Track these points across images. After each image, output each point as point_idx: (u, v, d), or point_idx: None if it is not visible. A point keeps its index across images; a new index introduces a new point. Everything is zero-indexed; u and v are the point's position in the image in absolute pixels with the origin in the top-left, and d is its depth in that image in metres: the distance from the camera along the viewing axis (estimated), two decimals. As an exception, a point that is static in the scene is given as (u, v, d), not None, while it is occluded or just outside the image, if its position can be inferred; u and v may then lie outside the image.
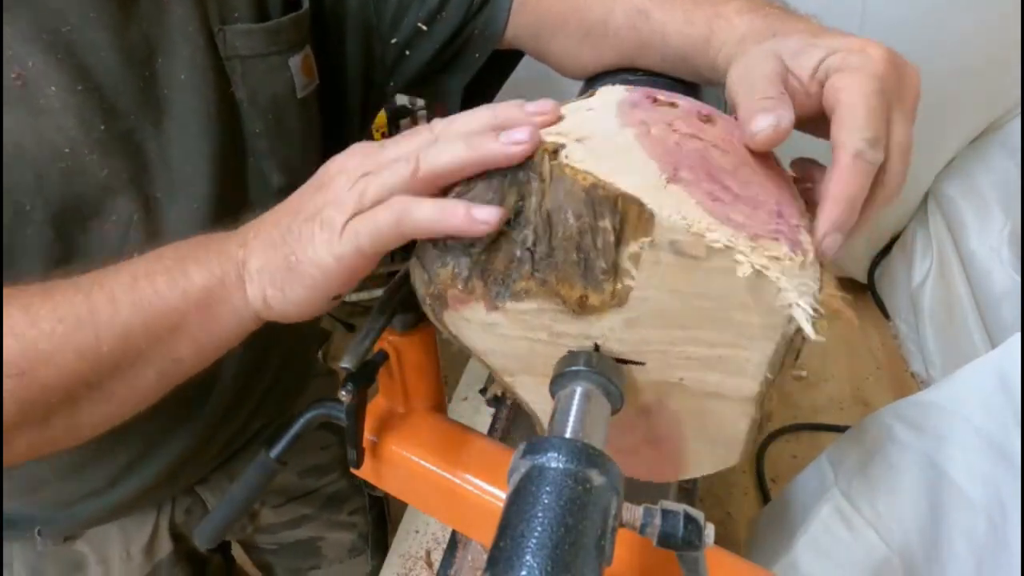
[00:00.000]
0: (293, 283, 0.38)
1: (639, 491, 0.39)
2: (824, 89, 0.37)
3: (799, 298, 0.31)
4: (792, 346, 0.33)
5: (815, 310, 0.31)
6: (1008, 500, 0.52)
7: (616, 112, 0.37)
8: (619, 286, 0.34)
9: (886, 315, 1.14)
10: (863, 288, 1.18)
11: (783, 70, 0.38)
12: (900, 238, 1.13)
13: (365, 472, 0.53)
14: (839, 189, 0.34)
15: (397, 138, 0.38)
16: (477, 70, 0.64)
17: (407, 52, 0.63)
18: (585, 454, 0.30)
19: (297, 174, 0.59)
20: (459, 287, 0.38)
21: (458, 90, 0.66)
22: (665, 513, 0.32)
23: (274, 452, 0.50)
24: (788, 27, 0.42)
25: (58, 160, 0.47)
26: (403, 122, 1.97)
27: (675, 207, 0.31)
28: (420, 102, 2.00)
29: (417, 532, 0.81)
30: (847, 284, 1.20)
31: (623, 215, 0.32)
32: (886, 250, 1.16)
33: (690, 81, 0.51)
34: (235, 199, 0.56)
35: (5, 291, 0.39)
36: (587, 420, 0.34)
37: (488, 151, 0.35)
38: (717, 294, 0.33)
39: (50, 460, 0.59)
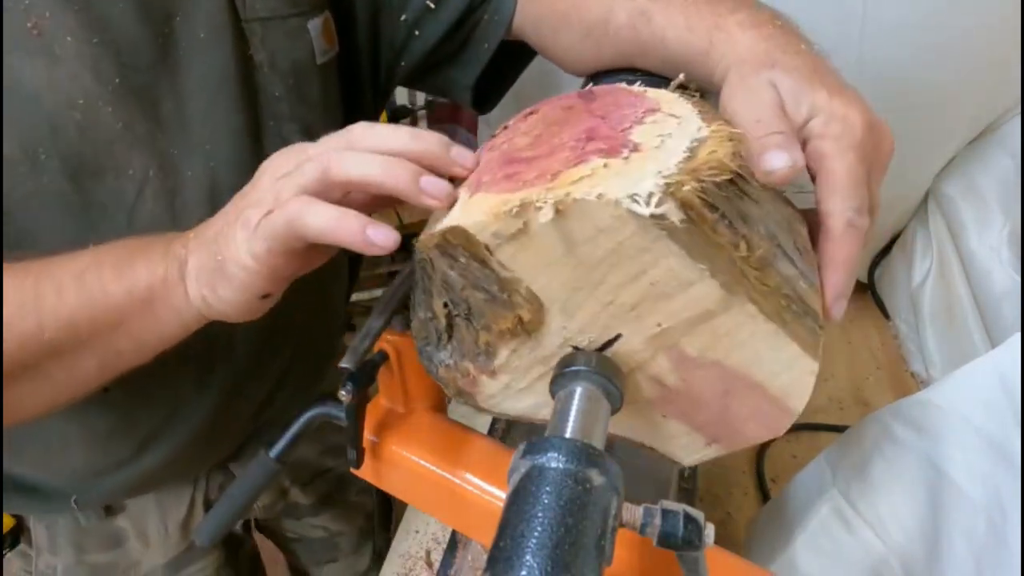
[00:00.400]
0: (222, 282, 0.39)
1: (639, 491, 0.39)
2: (807, 150, 0.38)
3: (621, 192, 0.30)
4: (706, 223, 0.32)
5: (662, 188, 0.30)
6: (1008, 500, 0.52)
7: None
8: (523, 290, 0.36)
9: (886, 315, 1.14)
10: (863, 288, 1.18)
11: (782, 103, 0.39)
12: (900, 238, 1.13)
13: (365, 472, 0.53)
14: (838, 257, 0.36)
15: (323, 138, 0.39)
16: (486, 66, 0.64)
17: (416, 32, 0.63)
18: (585, 454, 0.30)
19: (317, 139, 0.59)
20: (459, 376, 0.42)
21: (468, 85, 0.66)
22: (665, 513, 0.32)
23: (274, 452, 0.50)
24: (788, 60, 0.42)
25: (73, 110, 0.47)
26: (403, 121, 1.97)
27: (478, 211, 0.34)
28: (420, 101, 2.00)
29: (417, 532, 0.81)
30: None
31: (462, 244, 0.35)
32: (886, 250, 1.16)
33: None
34: (253, 163, 0.56)
35: None
36: (587, 420, 0.34)
37: (400, 184, 0.36)
38: (575, 242, 0.33)
39: (75, 427, 0.60)
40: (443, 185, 0.36)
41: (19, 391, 0.42)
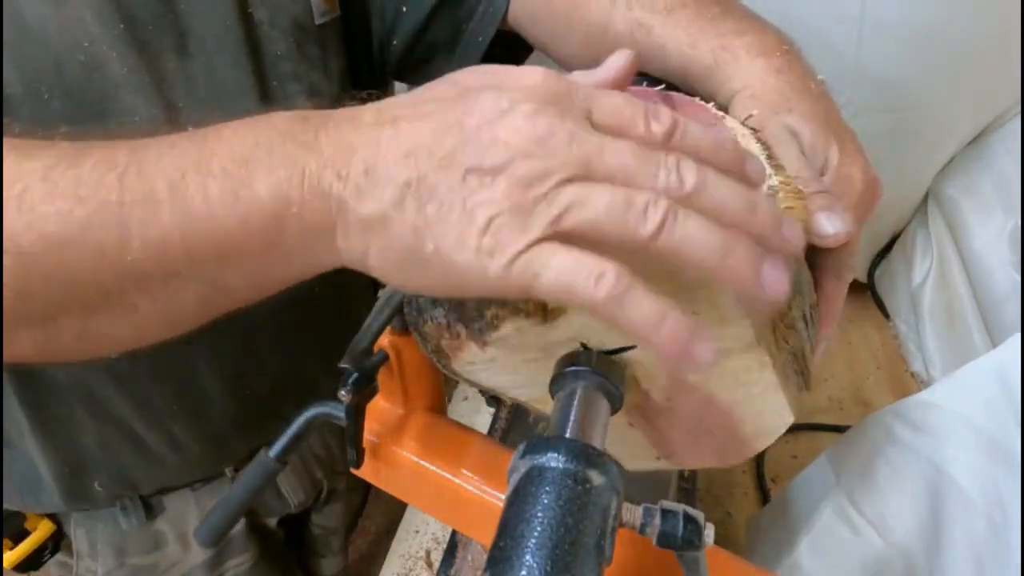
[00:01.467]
0: (419, 271, 0.29)
1: (639, 491, 0.39)
2: (809, 200, 0.38)
3: None
4: None
5: None
6: (1008, 500, 0.52)
7: None
8: None
9: (886, 315, 1.14)
10: (863, 288, 1.18)
11: (802, 147, 0.40)
12: (900, 238, 1.13)
13: (365, 472, 0.53)
14: (831, 310, 0.39)
15: (621, 112, 0.28)
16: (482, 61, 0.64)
17: (403, 8, 0.63)
18: (585, 454, 0.30)
19: (323, 100, 0.60)
20: (447, 336, 0.39)
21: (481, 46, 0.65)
22: (665, 513, 0.32)
23: (273, 452, 0.50)
24: (803, 105, 0.42)
25: (77, 52, 0.48)
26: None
27: None
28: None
29: (417, 532, 0.81)
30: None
31: None
32: (886, 250, 1.16)
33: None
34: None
35: (27, 142, 0.32)
36: (587, 420, 0.34)
37: (738, 274, 0.26)
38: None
39: (84, 406, 0.60)
40: (786, 278, 0.27)
41: (95, 319, 0.33)
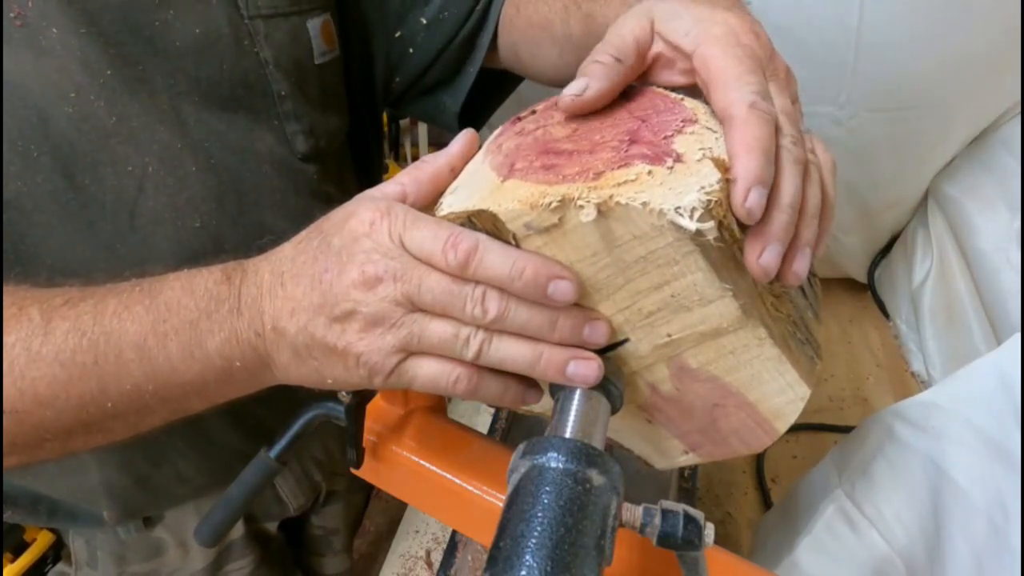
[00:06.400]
0: (337, 387, 0.39)
1: (639, 491, 0.39)
2: (695, 62, 0.36)
3: (666, 203, 0.30)
4: (736, 243, 0.32)
5: (704, 204, 0.30)
6: (1009, 500, 0.52)
7: (484, 150, 0.39)
8: None
9: (886, 315, 1.14)
10: (863, 288, 1.18)
11: (647, 33, 0.38)
12: (900, 238, 1.13)
13: (365, 472, 0.53)
14: (747, 138, 0.31)
15: (423, 247, 0.34)
16: (469, 91, 0.65)
17: (411, 50, 0.63)
18: (585, 454, 0.30)
19: (321, 141, 0.59)
20: None
21: (455, 110, 0.66)
22: (665, 513, 0.32)
23: (273, 452, 0.50)
24: None
25: (63, 104, 0.46)
26: (403, 122, 1.98)
27: (512, 198, 0.33)
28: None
29: (417, 532, 0.81)
30: (847, 284, 1.20)
31: (487, 228, 0.34)
32: (886, 250, 1.16)
33: None
34: (255, 160, 0.55)
35: (5, 308, 0.38)
36: (587, 420, 0.34)
37: (548, 374, 0.35)
38: (609, 244, 0.33)
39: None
40: (592, 366, 0.35)
41: (75, 443, 0.41)
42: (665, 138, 0.34)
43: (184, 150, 0.51)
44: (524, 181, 0.34)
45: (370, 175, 0.73)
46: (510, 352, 0.35)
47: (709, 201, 0.30)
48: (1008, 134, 0.97)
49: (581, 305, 0.35)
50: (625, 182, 0.31)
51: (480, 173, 0.37)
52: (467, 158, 0.39)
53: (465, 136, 0.39)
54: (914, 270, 1.05)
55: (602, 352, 0.37)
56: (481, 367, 0.36)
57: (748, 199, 0.30)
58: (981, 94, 0.95)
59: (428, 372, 0.35)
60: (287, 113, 0.56)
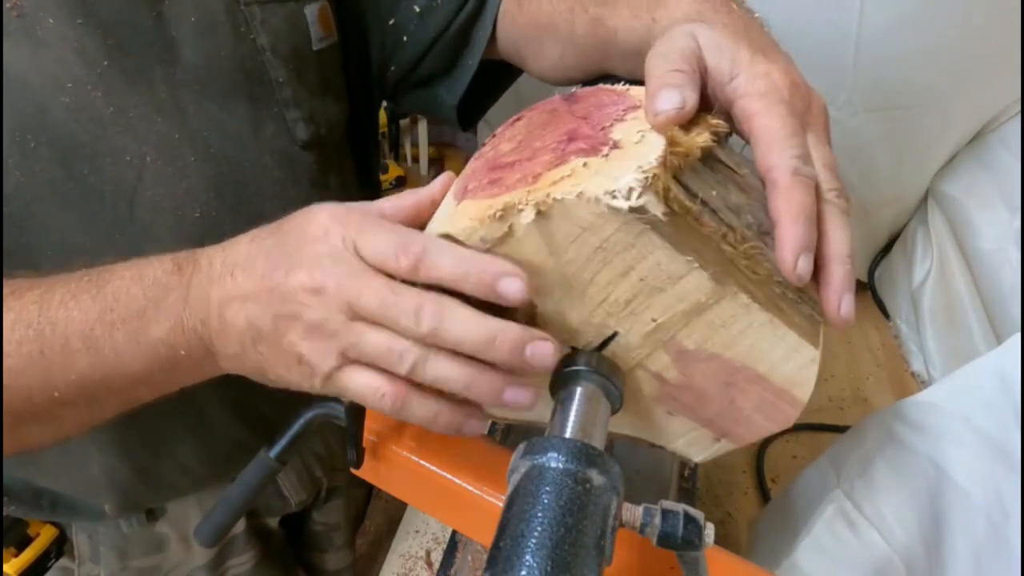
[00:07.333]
0: (277, 383, 0.39)
1: (639, 491, 0.39)
2: (736, 111, 0.37)
3: (600, 189, 0.30)
4: (690, 214, 0.32)
5: (641, 182, 0.30)
6: (1008, 500, 0.52)
7: (458, 179, 0.40)
8: None
9: (886, 315, 1.14)
10: (863, 288, 1.18)
11: (699, 52, 0.38)
12: (900, 238, 1.13)
13: (365, 472, 0.53)
14: (790, 207, 0.33)
15: (377, 252, 0.35)
16: (469, 84, 0.64)
17: (404, 38, 0.63)
18: (585, 454, 0.30)
19: (321, 128, 0.59)
20: None
21: (453, 104, 0.66)
22: (665, 513, 0.32)
23: (273, 452, 0.50)
24: (715, 17, 0.42)
25: (61, 94, 0.46)
26: (403, 122, 1.97)
27: (464, 217, 0.34)
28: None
29: (417, 532, 0.81)
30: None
31: None
32: (886, 250, 1.16)
33: None
34: (256, 148, 0.56)
35: None
36: (587, 420, 0.34)
37: (483, 398, 0.36)
38: (561, 242, 0.33)
39: (89, 439, 0.60)
40: (526, 394, 0.36)
41: (28, 432, 0.41)
42: (603, 129, 0.34)
43: (183, 140, 0.51)
44: (474, 200, 0.35)
45: (367, 166, 0.73)
46: (444, 370, 0.35)
47: (646, 178, 0.30)
48: (1008, 133, 0.97)
49: (539, 324, 0.36)
50: (561, 179, 0.32)
51: (445, 203, 0.38)
52: (446, 192, 0.40)
53: (444, 176, 0.41)
54: (914, 270, 1.05)
55: (596, 350, 0.37)
56: (417, 387, 0.36)
57: (798, 266, 0.32)
58: (980, 92, 0.95)
59: (359, 384, 0.36)
60: (286, 100, 0.56)
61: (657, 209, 0.30)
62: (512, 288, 0.33)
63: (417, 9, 0.62)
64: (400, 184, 1.90)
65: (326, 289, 0.34)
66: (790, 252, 0.32)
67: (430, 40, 0.63)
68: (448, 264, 0.34)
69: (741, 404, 0.38)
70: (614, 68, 0.51)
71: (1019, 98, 0.96)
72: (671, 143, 0.32)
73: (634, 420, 0.41)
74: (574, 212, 0.31)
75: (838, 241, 0.34)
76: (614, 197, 0.30)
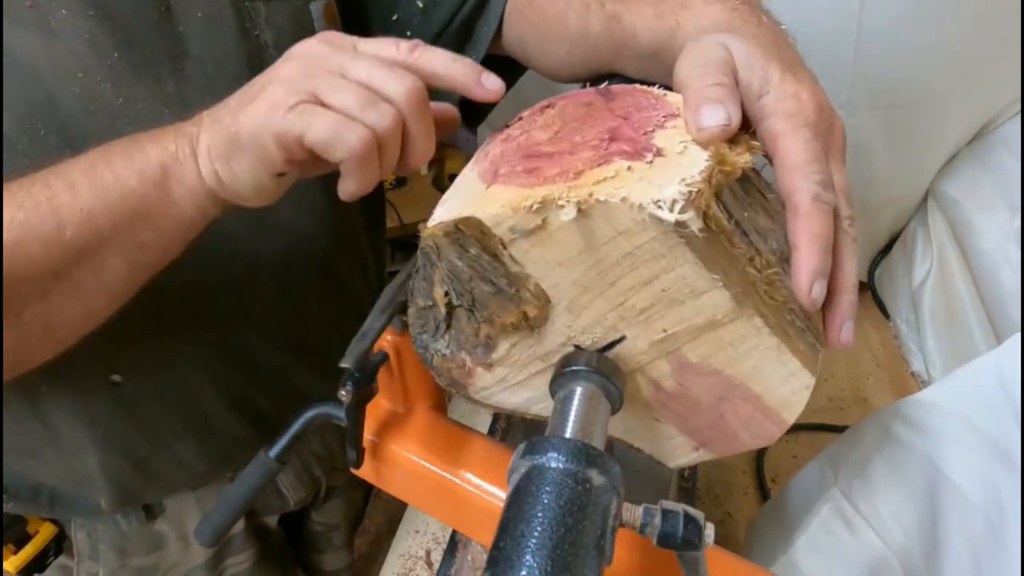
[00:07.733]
0: (236, 155, 0.39)
1: (639, 491, 0.39)
2: (761, 129, 0.37)
3: (645, 197, 0.30)
4: (724, 233, 0.32)
5: (685, 196, 0.30)
6: (1007, 500, 0.52)
7: (472, 159, 0.40)
8: (531, 286, 0.36)
9: (886, 315, 1.14)
10: (863, 288, 1.18)
11: (733, 64, 0.38)
12: (900, 238, 1.13)
13: (365, 472, 0.53)
14: (810, 233, 0.34)
15: (370, 45, 0.41)
16: None
17: (408, 34, 0.63)
18: (585, 454, 0.30)
19: None
20: (455, 366, 0.42)
21: (457, 99, 0.66)
22: (665, 513, 0.32)
23: (273, 452, 0.50)
24: (746, 29, 0.42)
25: (71, 84, 0.47)
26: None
27: (496, 203, 0.33)
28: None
29: (417, 532, 0.81)
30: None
31: (475, 236, 0.35)
32: (886, 250, 1.16)
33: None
34: None
35: None
36: (587, 420, 0.34)
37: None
38: (593, 242, 0.33)
39: (84, 428, 0.60)
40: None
41: (52, 305, 0.41)
42: (645, 134, 0.34)
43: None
44: (507, 186, 0.34)
45: None
46: (354, 110, 0.38)
47: (690, 192, 0.30)
48: (1008, 133, 0.97)
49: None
50: (604, 179, 0.32)
51: (468, 182, 0.37)
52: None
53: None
54: (914, 270, 1.05)
55: (600, 351, 0.37)
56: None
57: (813, 291, 0.33)
58: (979, 91, 0.95)
59: (325, 121, 0.38)
60: None
61: (695, 224, 0.30)
62: (491, 81, 0.40)
63: (420, 4, 0.62)
64: (400, 184, 1.90)
65: (315, 54, 0.40)
66: (806, 278, 0.33)
67: (433, 35, 0.63)
68: (441, 56, 0.39)
69: (730, 419, 0.38)
70: (624, 68, 0.51)
71: (1019, 98, 0.96)
72: (719, 161, 0.32)
73: (622, 422, 0.41)
74: (615, 215, 0.31)
75: (848, 271, 0.35)
76: (659, 207, 0.30)
